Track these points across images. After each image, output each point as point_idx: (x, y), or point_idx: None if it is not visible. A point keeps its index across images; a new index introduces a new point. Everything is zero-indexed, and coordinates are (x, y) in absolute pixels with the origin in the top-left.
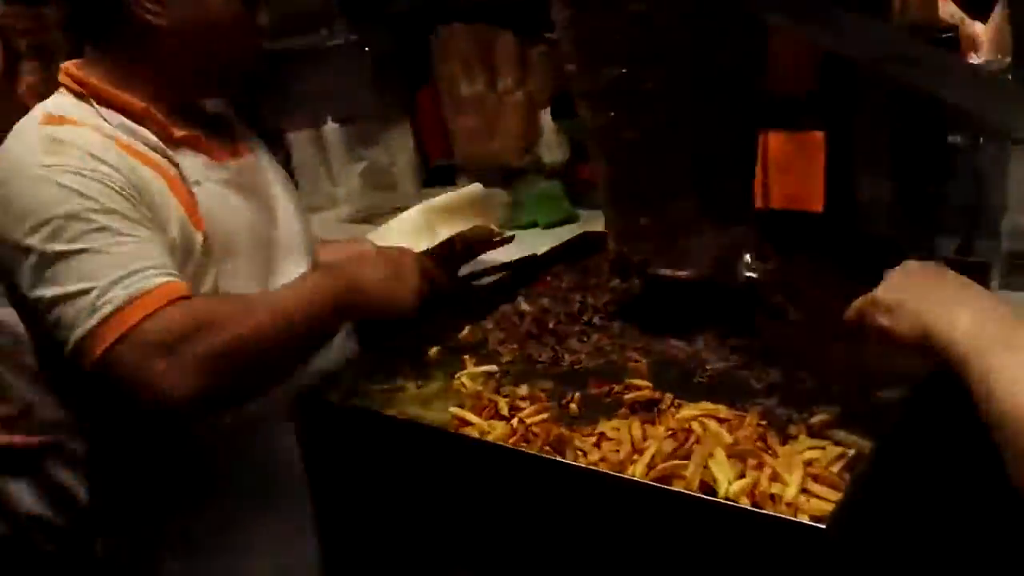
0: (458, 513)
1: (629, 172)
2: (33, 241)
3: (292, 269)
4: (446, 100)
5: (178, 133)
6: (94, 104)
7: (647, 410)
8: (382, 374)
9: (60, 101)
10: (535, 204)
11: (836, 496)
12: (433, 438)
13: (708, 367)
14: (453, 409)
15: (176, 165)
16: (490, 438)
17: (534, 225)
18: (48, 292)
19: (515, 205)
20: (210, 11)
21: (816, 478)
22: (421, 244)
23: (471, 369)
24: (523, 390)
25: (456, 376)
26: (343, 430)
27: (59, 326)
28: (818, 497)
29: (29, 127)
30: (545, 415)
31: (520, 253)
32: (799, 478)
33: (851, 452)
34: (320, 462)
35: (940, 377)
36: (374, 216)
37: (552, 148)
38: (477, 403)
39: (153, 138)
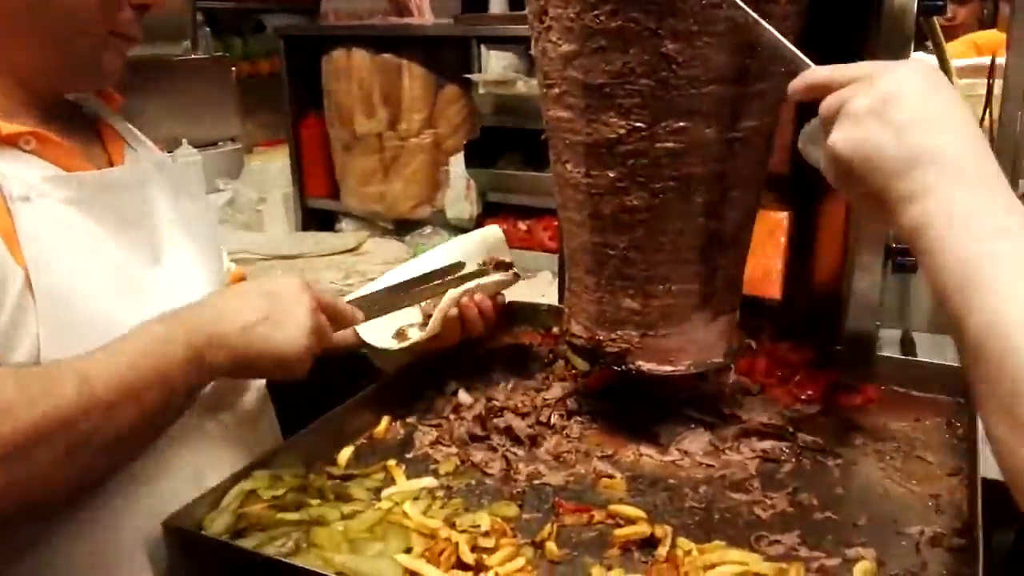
0: None
1: (623, 245)
2: None
3: None
4: (336, 133)
5: (7, 129)
6: None
7: (644, 549)
8: (283, 489)
9: None
10: None
11: None
12: None
13: (699, 489)
14: (403, 559)
15: None
16: None
17: None
18: None
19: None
20: None
21: None
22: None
23: (403, 485)
24: (483, 521)
25: (384, 494)
26: None
27: None
28: None
29: None
30: (522, 561)
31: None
32: None
33: None
34: None
35: None
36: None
37: (459, 201)
38: (431, 546)
39: None
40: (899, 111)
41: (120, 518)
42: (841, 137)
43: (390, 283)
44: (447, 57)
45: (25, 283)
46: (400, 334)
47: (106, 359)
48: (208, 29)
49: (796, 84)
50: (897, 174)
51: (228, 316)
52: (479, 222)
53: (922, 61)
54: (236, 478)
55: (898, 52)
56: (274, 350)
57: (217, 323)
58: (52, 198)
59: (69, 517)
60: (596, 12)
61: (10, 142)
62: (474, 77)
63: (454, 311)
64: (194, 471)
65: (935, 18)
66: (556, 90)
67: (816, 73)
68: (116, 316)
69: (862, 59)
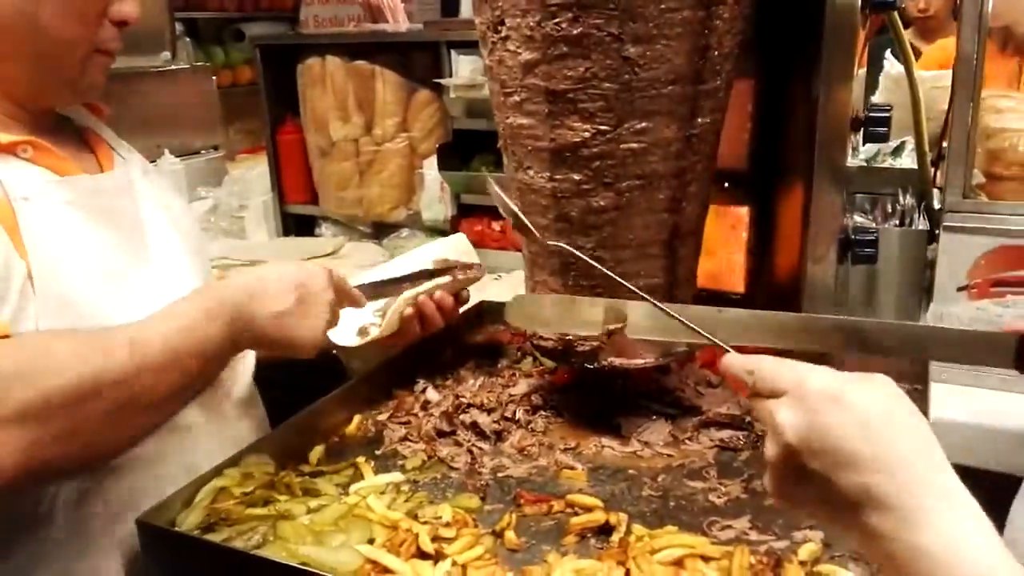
0: None
1: (591, 246)
2: None
3: None
4: (313, 140)
5: (6, 138)
6: None
7: (600, 536)
8: (253, 486)
9: None
10: None
11: None
12: None
13: (658, 479)
14: (364, 549)
15: None
16: None
17: None
18: None
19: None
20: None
21: None
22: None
23: (371, 479)
24: (445, 512)
25: (352, 489)
26: None
27: None
28: None
29: None
30: (480, 550)
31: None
32: None
33: None
34: None
35: None
36: (219, 269)
37: (434, 203)
38: (392, 536)
39: None
40: (812, 458)
41: (120, 508)
42: (770, 485)
43: (375, 278)
44: (419, 62)
45: (27, 276)
46: (362, 331)
47: (156, 327)
48: (189, 39)
49: (720, 368)
50: (840, 520)
51: (263, 304)
52: (453, 223)
53: (824, 393)
54: (208, 476)
55: (846, 46)
56: (293, 339)
57: (254, 310)
58: (50, 199)
59: (70, 506)
60: (557, 20)
61: (8, 150)
62: (444, 81)
63: (409, 310)
64: (187, 464)
65: (896, 13)
66: (516, 98)
67: (733, 366)
68: (108, 312)
69: (811, 62)
